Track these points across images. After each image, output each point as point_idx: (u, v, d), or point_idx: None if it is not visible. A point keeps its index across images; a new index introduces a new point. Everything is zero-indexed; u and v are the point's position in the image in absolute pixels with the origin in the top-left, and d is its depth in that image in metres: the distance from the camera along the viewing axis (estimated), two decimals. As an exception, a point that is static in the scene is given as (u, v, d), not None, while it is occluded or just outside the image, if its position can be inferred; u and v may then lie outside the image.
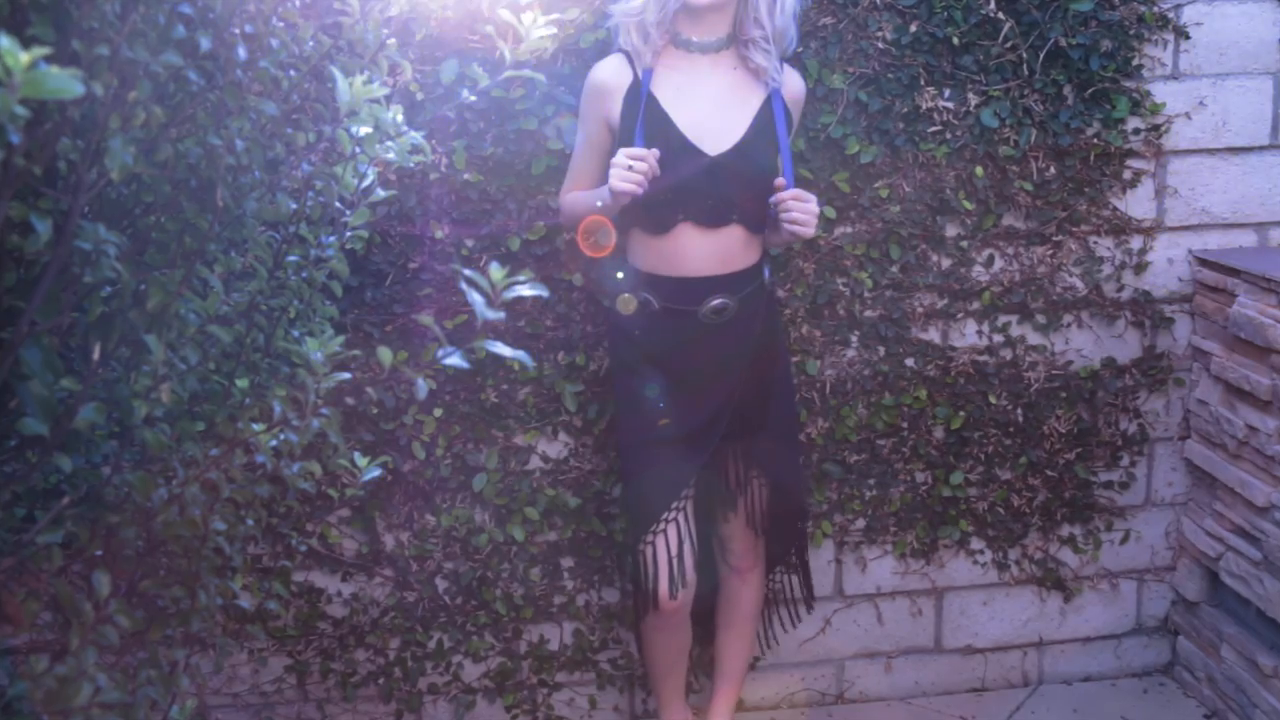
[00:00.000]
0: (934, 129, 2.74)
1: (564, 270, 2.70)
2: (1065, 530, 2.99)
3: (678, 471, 2.48)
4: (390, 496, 2.77)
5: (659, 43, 2.40)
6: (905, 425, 2.87)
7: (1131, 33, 2.76)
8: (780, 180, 2.35)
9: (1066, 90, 2.75)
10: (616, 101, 2.40)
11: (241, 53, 1.35)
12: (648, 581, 2.49)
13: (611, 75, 2.42)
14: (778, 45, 2.41)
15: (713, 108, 2.39)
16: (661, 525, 2.48)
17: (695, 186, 2.36)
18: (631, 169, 2.25)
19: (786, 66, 2.48)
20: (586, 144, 2.47)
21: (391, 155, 1.66)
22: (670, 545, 2.47)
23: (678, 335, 2.43)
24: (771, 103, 2.41)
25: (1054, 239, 2.83)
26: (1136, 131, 2.82)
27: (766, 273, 2.49)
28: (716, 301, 2.41)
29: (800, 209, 2.33)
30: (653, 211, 2.37)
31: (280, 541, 2.72)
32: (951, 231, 2.82)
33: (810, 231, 2.34)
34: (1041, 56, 2.73)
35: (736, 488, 2.59)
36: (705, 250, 2.39)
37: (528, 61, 1.65)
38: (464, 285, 1.26)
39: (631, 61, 2.40)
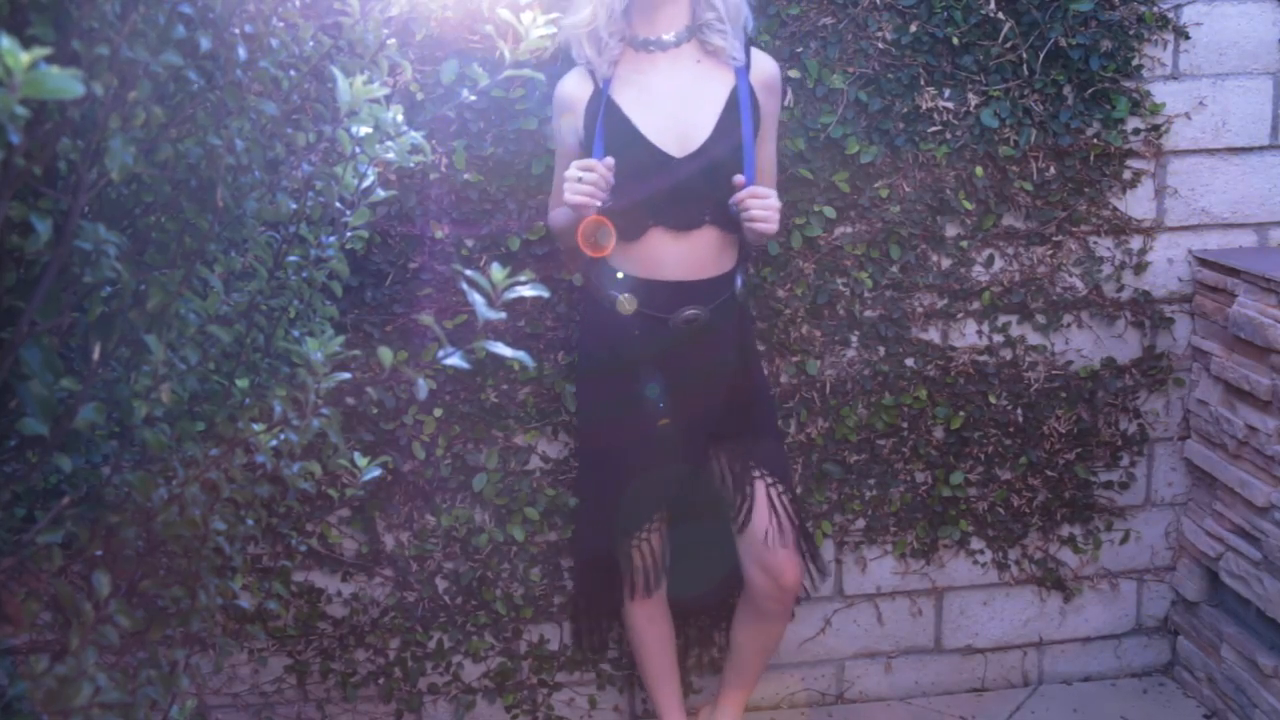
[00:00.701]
0: (934, 129, 2.74)
1: (564, 270, 2.70)
2: (1065, 530, 2.99)
3: (657, 483, 2.51)
4: (390, 496, 2.77)
5: (615, 50, 2.36)
6: (905, 425, 2.87)
7: (1131, 33, 2.76)
8: (739, 178, 2.31)
9: (1066, 90, 2.75)
10: (579, 114, 2.39)
11: (241, 53, 1.35)
12: (637, 576, 2.58)
13: (573, 88, 2.41)
14: (733, 24, 2.36)
15: (677, 106, 2.35)
16: (644, 534, 2.55)
17: (663, 190, 2.33)
18: (581, 180, 2.24)
19: (756, 50, 2.43)
20: (560, 159, 2.47)
21: (391, 155, 1.66)
22: (645, 556, 2.56)
23: (650, 345, 2.40)
24: (738, 92, 2.36)
25: (1054, 239, 2.83)
26: (1136, 131, 2.82)
27: (739, 281, 2.45)
28: (689, 312, 2.37)
29: (759, 206, 2.29)
30: (623, 218, 2.35)
31: (280, 541, 2.72)
32: (951, 231, 2.82)
33: (773, 228, 2.30)
34: (1041, 56, 2.73)
35: (742, 491, 2.54)
36: (678, 255, 2.36)
37: (528, 61, 1.66)
38: (465, 285, 1.26)
39: (593, 72, 2.39)
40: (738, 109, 2.35)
